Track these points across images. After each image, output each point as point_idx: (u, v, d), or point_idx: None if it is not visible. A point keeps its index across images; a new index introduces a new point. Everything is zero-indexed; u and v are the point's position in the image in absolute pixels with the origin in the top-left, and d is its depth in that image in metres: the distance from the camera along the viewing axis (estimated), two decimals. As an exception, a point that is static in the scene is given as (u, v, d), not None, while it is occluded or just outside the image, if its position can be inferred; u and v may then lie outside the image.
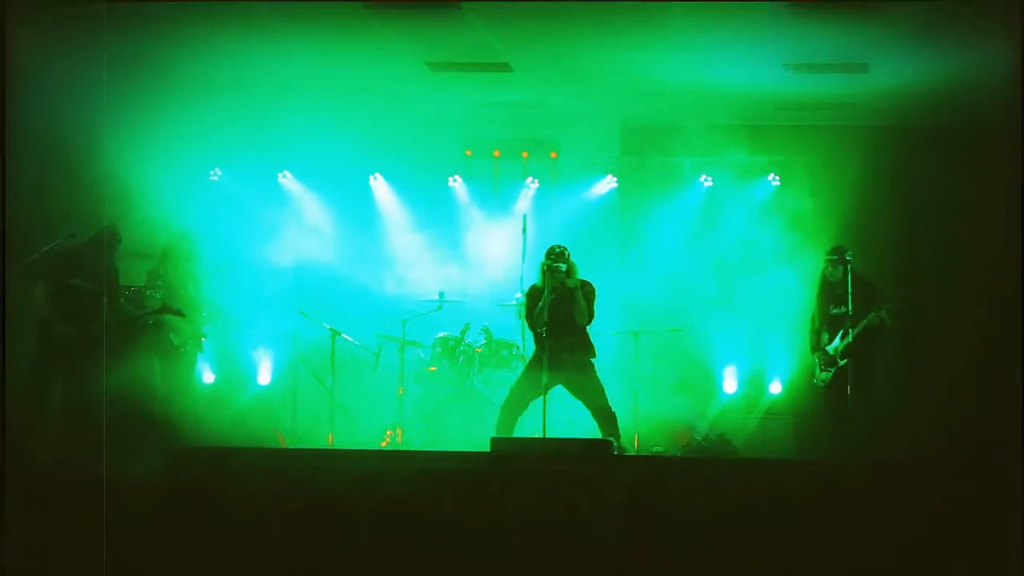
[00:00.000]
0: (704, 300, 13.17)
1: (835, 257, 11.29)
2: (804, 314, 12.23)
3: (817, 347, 11.53)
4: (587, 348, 10.39)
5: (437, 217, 13.69)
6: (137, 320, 10.68)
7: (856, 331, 11.13)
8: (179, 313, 10.80)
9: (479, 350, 12.23)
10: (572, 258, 10.35)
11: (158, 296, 10.89)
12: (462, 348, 12.21)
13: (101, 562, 6.87)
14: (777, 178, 13.36)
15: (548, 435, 10.13)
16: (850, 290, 11.15)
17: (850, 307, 11.14)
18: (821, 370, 11.42)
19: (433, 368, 12.35)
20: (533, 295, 10.42)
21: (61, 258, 10.36)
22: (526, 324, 10.76)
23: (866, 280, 11.43)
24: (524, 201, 13.54)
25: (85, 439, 9.70)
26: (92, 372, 10.33)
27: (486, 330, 12.35)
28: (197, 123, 12.62)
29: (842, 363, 11.20)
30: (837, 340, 11.23)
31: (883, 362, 11.44)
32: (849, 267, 11.22)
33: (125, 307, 10.67)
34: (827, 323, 11.40)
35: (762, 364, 13.16)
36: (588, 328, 10.45)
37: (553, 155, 13.75)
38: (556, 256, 10.26)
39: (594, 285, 10.47)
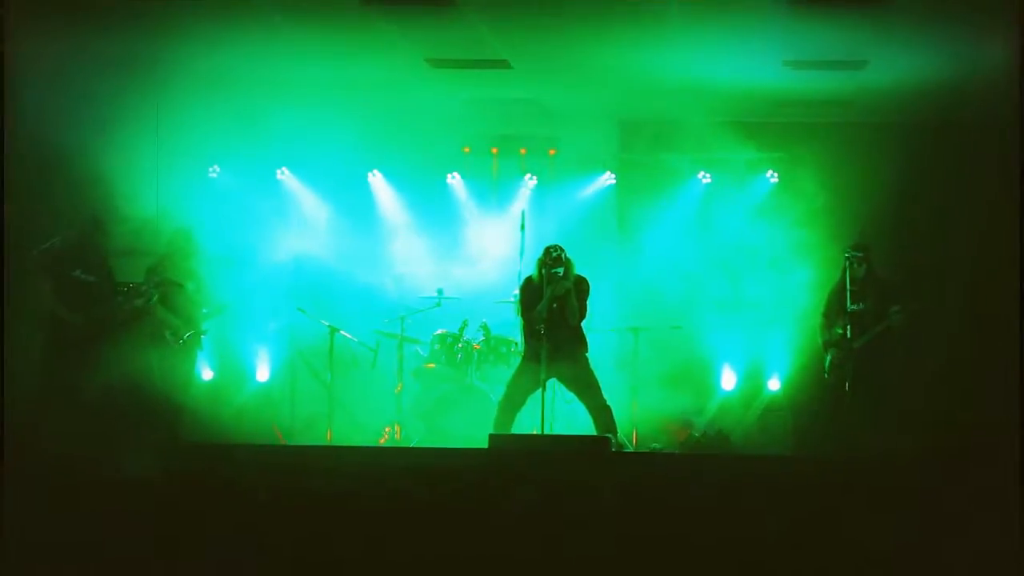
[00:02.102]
0: (702, 297, 13.18)
1: (860, 254, 11.20)
2: (803, 310, 12.23)
3: (830, 342, 11.44)
4: (580, 341, 10.39)
5: (435, 214, 13.69)
6: (141, 306, 10.76)
7: (878, 329, 11.07)
8: (178, 284, 10.85)
9: (477, 347, 12.24)
10: (567, 255, 10.33)
11: (152, 293, 10.90)
12: (460, 345, 12.21)
13: (101, 556, 6.88)
14: (775, 175, 13.36)
15: (546, 431, 10.14)
16: (848, 287, 11.12)
17: (851, 304, 11.11)
18: (837, 364, 11.29)
19: (431, 365, 12.35)
20: (529, 288, 10.40)
21: (60, 253, 10.59)
22: (520, 316, 10.74)
23: (884, 278, 11.37)
24: (522, 198, 13.55)
25: (90, 431, 9.77)
26: (103, 362, 10.49)
27: (484, 327, 12.36)
28: (195, 120, 12.63)
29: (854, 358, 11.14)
30: (858, 335, 11.10)
31: (894, 361, 11.39)
32: (871, 264, 11.20)
33: (125, 299, 10.76)
34: (842, 319, 11.25)
35: (760, 360, 13.16)
36: (582, 323, 10.44)
37: (551, 152, 13.75)
38: (553, 261, 10.22)
39: (589, 282, 10.46)
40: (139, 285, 10.84)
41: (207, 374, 12.40)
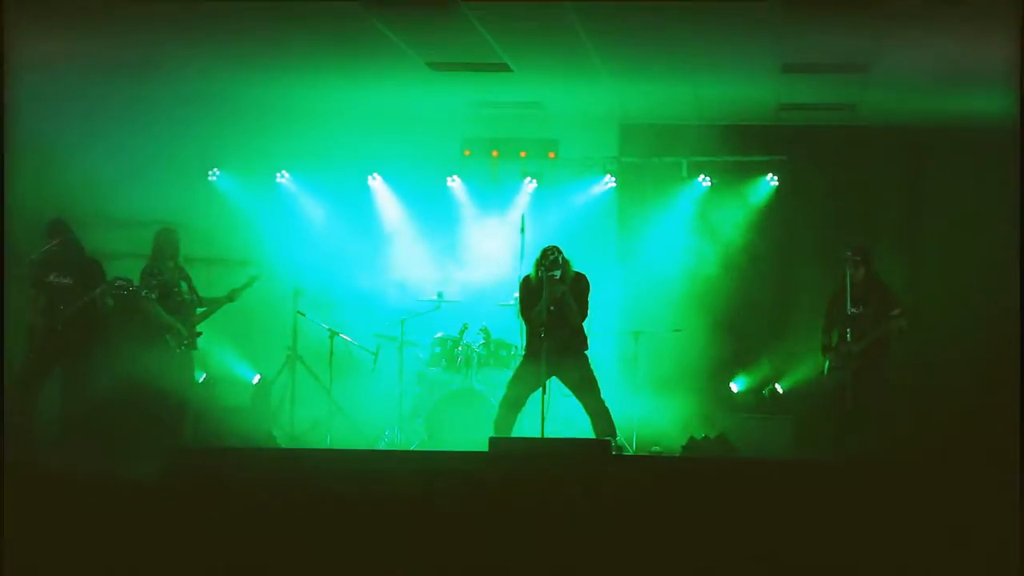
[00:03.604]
0: (703, 300, 13.17)
1: (858, 257, 11.14)
2: (803, 313, 12.22)
3: (829, 346, 11.40)
4: (580, 340, 10.37)
5: (435, 217, 13.69)
6: (121, 306, 10.80)
7: (877, 332, 11.02)
8: (147, 290, 10.88)
9: (477, 350, 12.23)
10: (564, 256, 10.30)
11: (152, 296, 10.89)
12: (460, 348, 12.20)
13: (99, 560, 6.87)
14: (775, 178, 13.35)
15: (547, 431, 10.13)
16: (848, 290, 11.09)
17: (850, 307, 11.07)
18: (837, 367, 11.23)
19: (432, 368, 12.34)
20: (527, 287, 10.37)
21: (42, 259, 10.78)
22: (520, 316, 10.72)
23: (883, 282, 11.33)
24: (522, 201, 13.54)
25: (78, 437, 9.78)
26: (82, 366, 10.53)
27: (484, 330, 12.34)
28: (195, 123, 12.63)
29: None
30: (857, 338, 11.04)
31: (892, 364, 11.35)
32: (870, 267, 11.16)
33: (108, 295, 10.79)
34: (843, 322, 11.18)
35: (761, 363, 13.15)
36: (583, 323, 10.42)
37: (551, 155, 13.74)
38: (551, 264, 10.19)
39: (588, 279, 10.42)
40: (135, 289, 10.84)
41: (203, 377, 12.39)
